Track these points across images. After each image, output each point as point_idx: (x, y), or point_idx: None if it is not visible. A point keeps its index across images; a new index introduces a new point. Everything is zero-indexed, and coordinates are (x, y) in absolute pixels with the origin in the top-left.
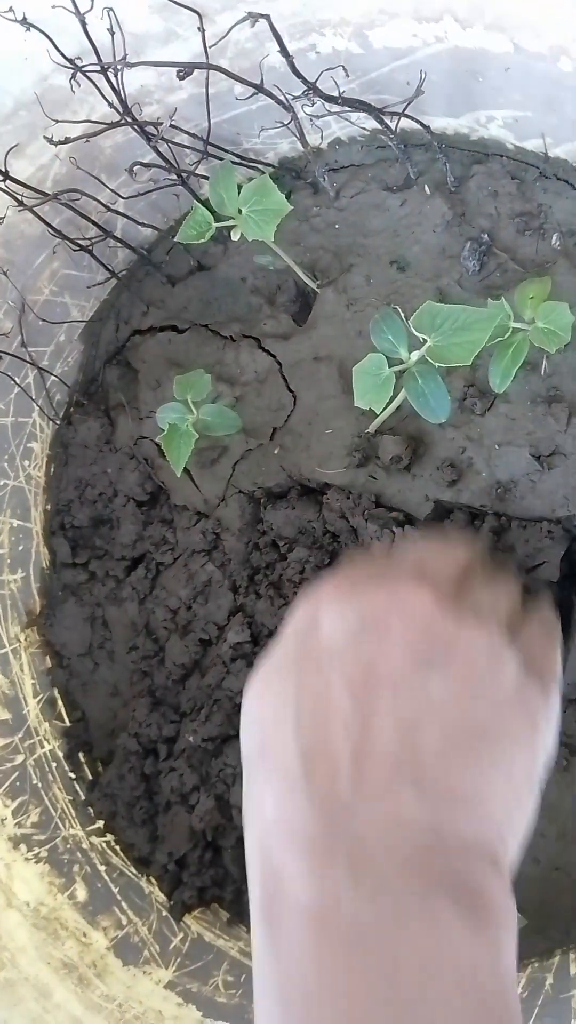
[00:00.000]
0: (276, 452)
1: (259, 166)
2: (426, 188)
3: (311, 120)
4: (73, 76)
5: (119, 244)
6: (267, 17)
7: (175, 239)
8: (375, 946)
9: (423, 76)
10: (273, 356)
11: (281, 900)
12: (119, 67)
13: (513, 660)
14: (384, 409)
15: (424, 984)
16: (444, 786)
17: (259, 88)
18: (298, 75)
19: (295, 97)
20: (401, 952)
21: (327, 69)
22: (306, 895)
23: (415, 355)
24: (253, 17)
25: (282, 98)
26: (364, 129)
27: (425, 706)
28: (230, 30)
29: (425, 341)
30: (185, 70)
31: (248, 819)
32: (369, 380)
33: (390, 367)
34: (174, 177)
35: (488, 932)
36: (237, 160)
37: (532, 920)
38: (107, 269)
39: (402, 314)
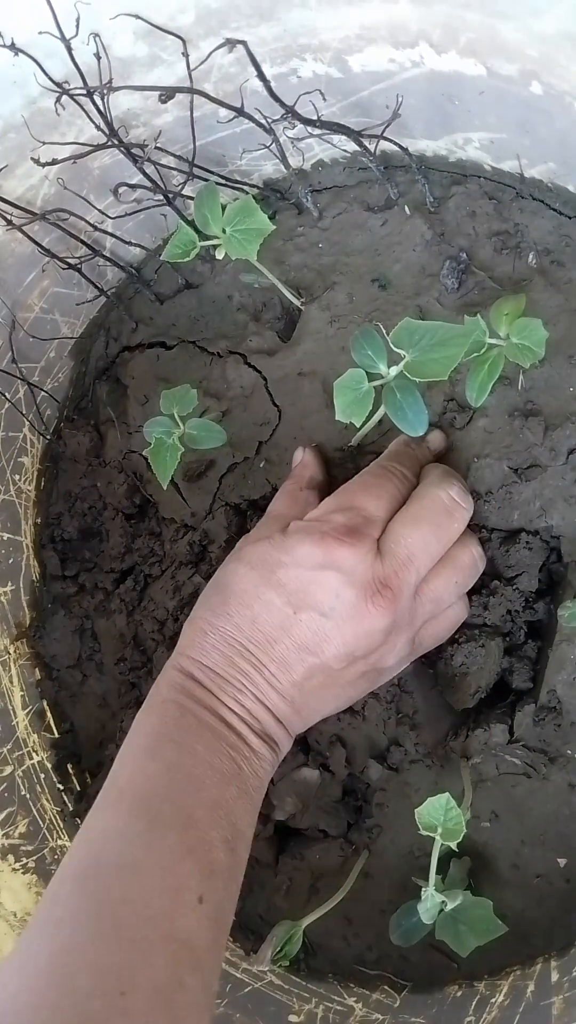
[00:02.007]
0: (262, 465)
1: (244, 187)
2: (406, 208)
3: (293, 142)
4: (59, 99)
5: (108, 263)
6: (244, 43)
7: (161, 257)
8: None
9: (400, 100)
10: (259, 371)
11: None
12: (104, 91)
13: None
14: (365, 423)
15: None
16: None
17: (240, 111)
18: (276, 99)
19: (274, 120)
20: None
21: (304, 93)
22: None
23: (394, 370)
24: (231, 43)
25: (263, 121)
26: (346, 151)
27: None
28: (209, 55)
29: (403, 356)
30: (167, 93)
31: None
32: (349, 394)
33: (369, 382)
34: (161, 198)
35: None
36: (222, 181)
37: (514, 927)
38: (96, 287)
39: (382, 330)
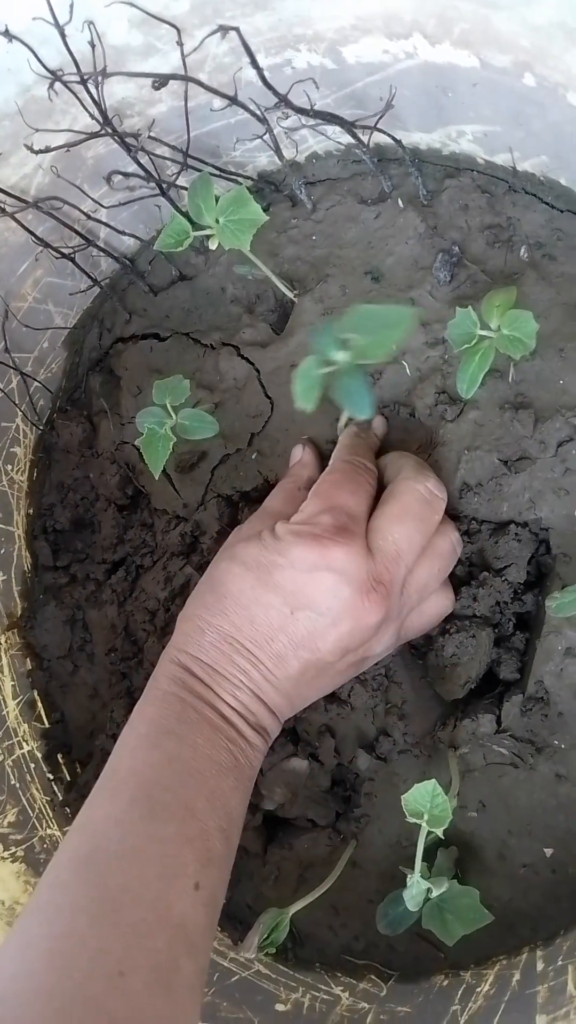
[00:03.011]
0: (254, 457)
1: (238, 178)
2: (400, 201)
3: (287, 133)
4: (51, 86)
5: (102, 253)
6: (237, 30)
7: (155, 247)
8: None
9: (393, 91)
10: (252, 363)
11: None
12: (98, 78)
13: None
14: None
15: None
16: None
17: (233, 100)
18: (269, 87)
19: (267, 109)
20: None
21: (298, 82)
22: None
23: (342, 355)
24: (224, 30)
25: (256, 110)
26: (340, 144)
27: None
28: (202, 41)
29: (349, 341)
30: (160, 80)
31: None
32: (304, 381)
33: (325, 368)
34: (155, 188)
35: None
36: (216, 172)
37: (500, 917)
38: (90, 277)
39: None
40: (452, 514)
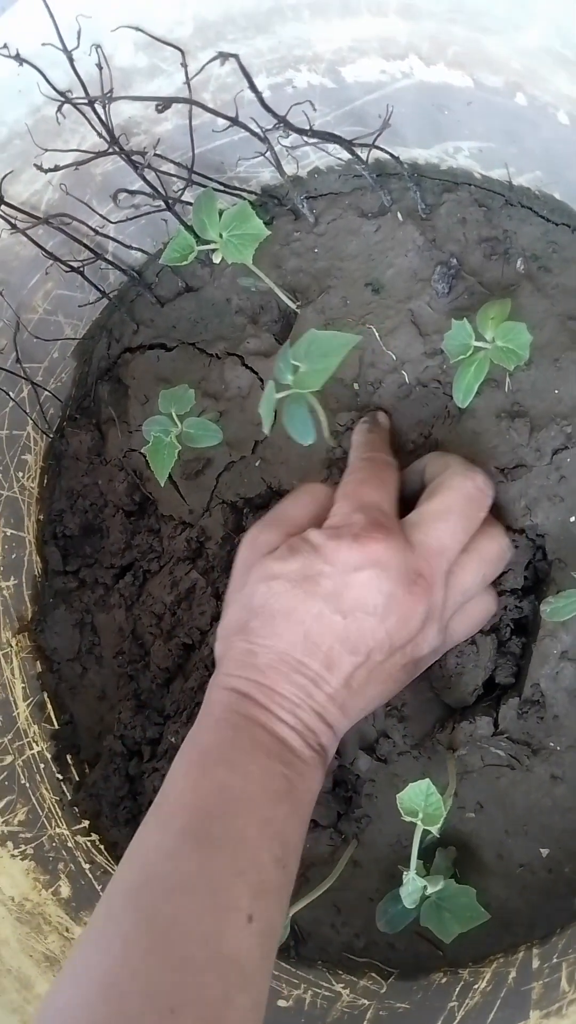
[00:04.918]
0: (257, 464)
1: (242, 193)
2: (399, 215)
3: (288, 151)
4: (60, 108)
5: (110, 266)
6: (236, 57)
7: (161, 261)
8: None
9: (390, 110)
10: (256, 372)
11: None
12: (105, 100)
13: None
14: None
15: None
16: None
17: (234, 121)
18: (268, 109)
19: (267, 129)
20: None
21: (296, 104)
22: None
23: (291, 380)
24: (223, 56)
25: (257, 130)
26: (340, 159)
27: None
28: (203, 68)
29: (298, 368)
30: (163, 104)
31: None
32: (265, 404)
33: (280, 392)
34: (161, 203)
35: None
36: (221, 188)
37: (498, 916)
38: (98, 290)
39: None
40: None
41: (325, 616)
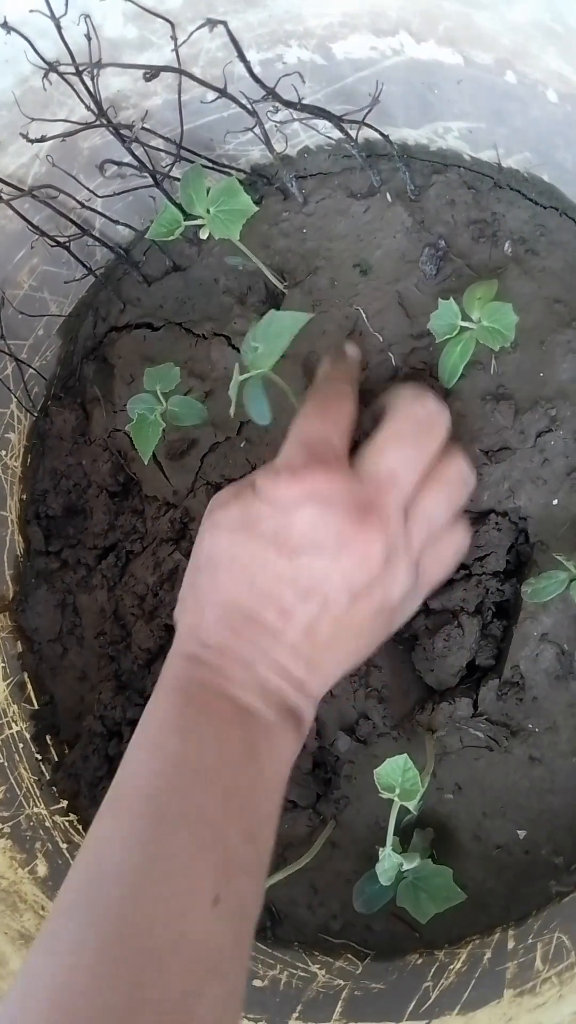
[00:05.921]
0: (242, 445)
1: (231, 171)
2: (388, 196)
3: (277, 127)
4: (46, 75)
5: (97, 243)
6: (224, 23)
7: (147, 236)
8: None
9: (379, 87)
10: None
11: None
12: (94, 69)
13: None
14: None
15: None
16: None
17: (222, 92)
18: (256, 80)
19: (256, 102)
20: None
21: (285, 75)
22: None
23: (249, 360)
24: (212, 23)
25: (246, 103)
26: (330, 139)
27: None
28: (191, 35)
29: (257, 348)
30: (151, 72)
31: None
32: (233, 387)
33: (243, 374)
34: (149, 179)
35: None
36: (209, 165)
37: (474, 897)
38: (85, 267)
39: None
40: None
41: (270, 561)
